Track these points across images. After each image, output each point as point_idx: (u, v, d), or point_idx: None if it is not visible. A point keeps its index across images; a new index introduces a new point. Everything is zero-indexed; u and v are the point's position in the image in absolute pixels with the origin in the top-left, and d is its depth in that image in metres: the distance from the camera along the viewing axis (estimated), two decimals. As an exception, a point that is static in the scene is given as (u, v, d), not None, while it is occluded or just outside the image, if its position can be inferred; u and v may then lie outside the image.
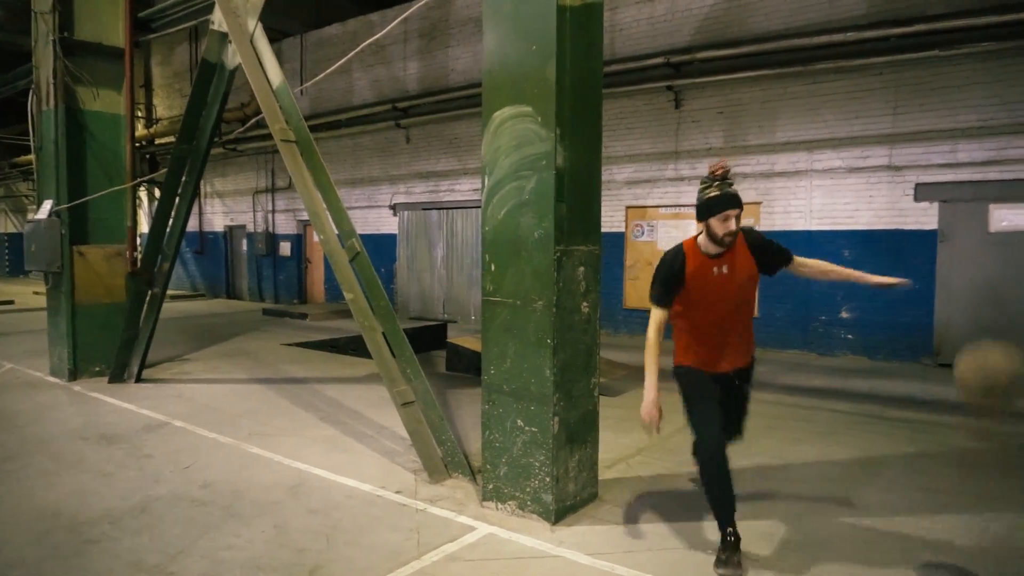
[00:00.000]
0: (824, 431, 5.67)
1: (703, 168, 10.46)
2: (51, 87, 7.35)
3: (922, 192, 8.77)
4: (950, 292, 8.66)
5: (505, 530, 3.71)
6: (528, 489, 3.84)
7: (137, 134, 14.06)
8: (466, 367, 8.04)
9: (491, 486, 4.01)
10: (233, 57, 6.22)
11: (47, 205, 7.41)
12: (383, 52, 14.38)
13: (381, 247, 14.85)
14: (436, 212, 14.09)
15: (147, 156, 19.14)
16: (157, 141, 18.78)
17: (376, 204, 15.13)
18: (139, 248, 7.99)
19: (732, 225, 3.21)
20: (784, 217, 9.82)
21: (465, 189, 13.51)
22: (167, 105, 19.87)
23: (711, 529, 3.55)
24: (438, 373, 8.23)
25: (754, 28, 9.80)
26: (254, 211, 17.94)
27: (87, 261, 7.56)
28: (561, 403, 3.77)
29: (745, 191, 10.04)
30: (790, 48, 9.23)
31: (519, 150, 3.76)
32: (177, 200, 7.12)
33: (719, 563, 3.17)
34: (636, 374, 6.63)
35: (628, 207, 11.31)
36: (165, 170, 7.08)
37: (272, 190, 17.40)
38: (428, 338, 10.05)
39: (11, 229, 27.89)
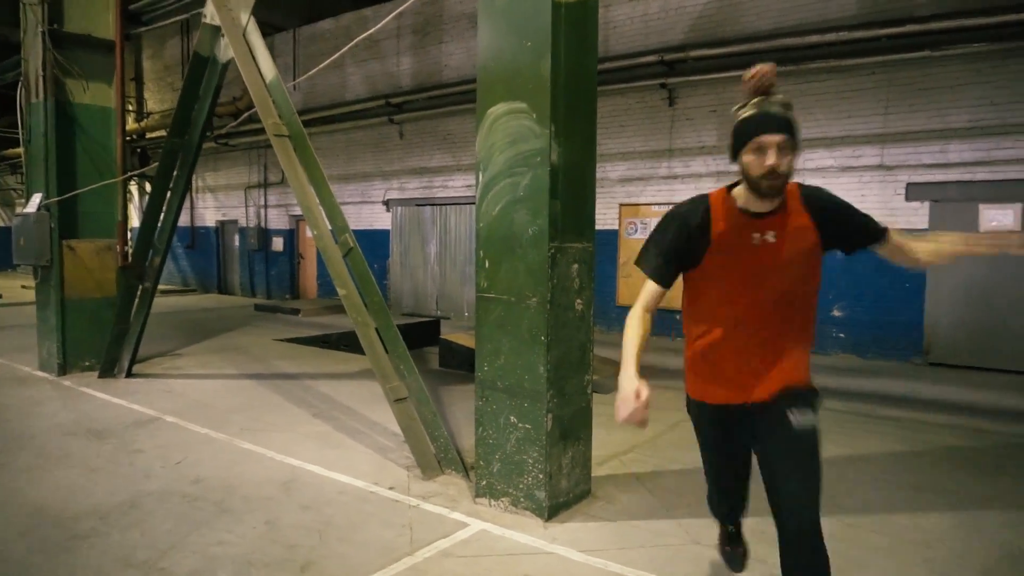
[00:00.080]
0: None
1: (697, 166, 10.49)
2: (40, 79, 7.27)
3: (913, 192, 8.82)
4: (940, 291, 8.71)
5: (498, 526, 3.71)
6: (521, 485, 3.84)
7: (128, 128, 13.94)
8: (459, 363, 8.03)
9: (484, 482, 4.01)
10: (226, 51, 6.17)
11: (36, 199, 7.34)
12: (376, 47, 14.33)
13: (374, 243, 14.81)
14: (429, 208, 14.06)
15: (138, 150, 18.99)
16: (148, 135, 18.65)
17: (369, 200, 15.09)
18: (130, 242, 7.94)
19: (773, 159, 2.06)
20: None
21: (458, 185, 13.48)
22: (158, 99, 19.73)
23: (704, 526, 3.57)
24: (431, 370, 8.22)
25: (747, 27, 9.82)
26: (246, 206, 17.85)
27: (77, 255, 7.50)
28: (555, 400, 3.77)
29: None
30: (782, 47, 9.26)
31: (513, 146, 3.75)
32: (168, 194, 7.07)
33: (724, 544, 2.82)
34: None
35: (621, 204, 11.32)
36: (156, 164, 7.03)
37: (264, 185, 17.32)
38: (421, 334, 10.03)
39: (-1, 223, 27.66)
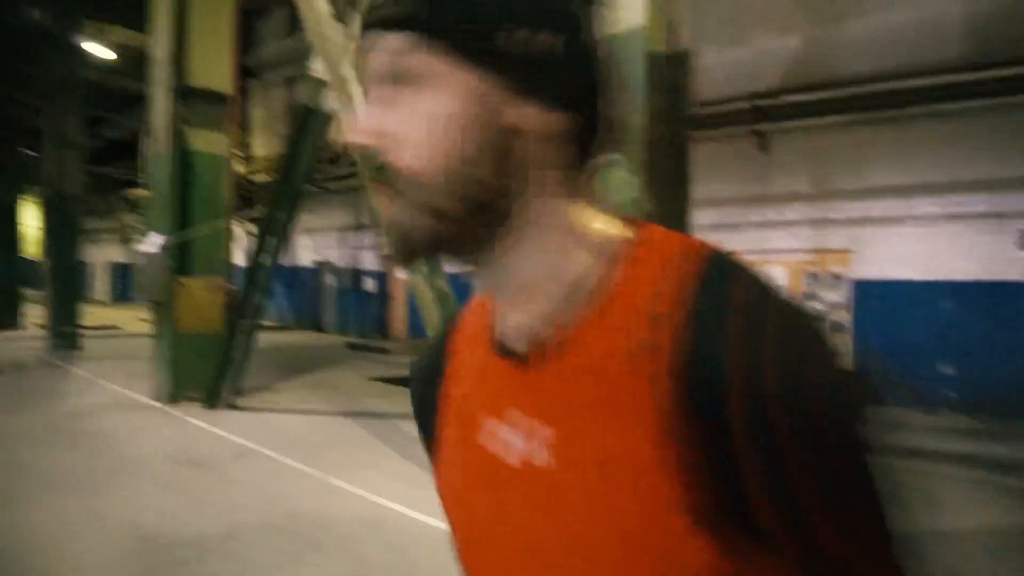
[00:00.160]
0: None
1: (791, 213, 10.22)
2: (166, 131, 7.89)
3: (1029, 241, 8.28)
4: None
5: None
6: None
7: (235, 173, 14.88)
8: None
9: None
10: (329, 101, 6.55)
11: (156, 239, 7.91)
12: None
13: (464, 287, 15.06)
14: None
15: (244, 194, 20.18)
16: (254, 179, 19.80)
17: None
18: (233, 281, 8.41)
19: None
20: (878, 266, 9.45)
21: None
22: (263, 145, 20.97)
23: None
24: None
25: (841, 71, 9.58)
26: (340, 247, 18.60)
27: (189, 292, 8.00)
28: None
29: (836, 237, 9.77)
30: (880, 92, 8.98)
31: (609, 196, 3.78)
32: (272, 236, 7.48)
33: None
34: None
35: (710, 251, 11.10)
36: (261, 207, 7.46)
37: (358, 228, 18.02)
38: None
39: (116, 258, 29.79)
